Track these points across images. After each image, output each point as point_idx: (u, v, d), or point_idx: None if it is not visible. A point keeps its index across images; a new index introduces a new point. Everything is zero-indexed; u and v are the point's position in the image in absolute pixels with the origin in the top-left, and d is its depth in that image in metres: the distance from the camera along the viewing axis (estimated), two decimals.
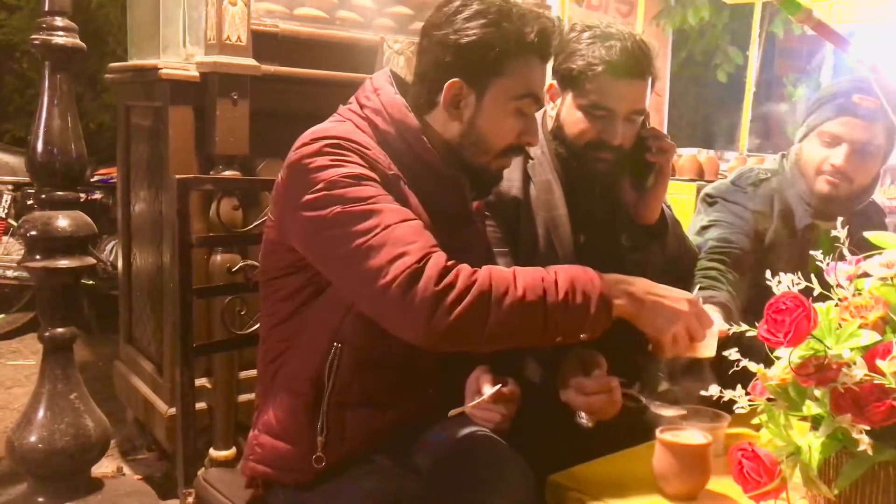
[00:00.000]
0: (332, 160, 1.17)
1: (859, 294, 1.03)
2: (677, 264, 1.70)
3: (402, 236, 1.11)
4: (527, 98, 1.28)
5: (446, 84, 1.26)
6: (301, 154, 1.19)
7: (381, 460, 1.27)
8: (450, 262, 1.10)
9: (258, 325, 1.73)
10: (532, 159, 1.61)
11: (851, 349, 0.95)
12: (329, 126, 1.25)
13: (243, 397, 2.34)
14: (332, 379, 1.23)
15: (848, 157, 1.73)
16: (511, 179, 1.58)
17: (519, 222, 1.57)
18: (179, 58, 2.33)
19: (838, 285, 1.05)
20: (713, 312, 1.28)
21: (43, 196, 2.10)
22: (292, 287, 1.27)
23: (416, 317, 1.06)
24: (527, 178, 1.59)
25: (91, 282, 3.92)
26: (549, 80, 1.62)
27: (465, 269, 1.10)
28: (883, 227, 1.92)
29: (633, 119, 1.54)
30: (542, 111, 1.68)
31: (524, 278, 1.11)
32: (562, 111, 1.58)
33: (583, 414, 1.26)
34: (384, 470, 1.25)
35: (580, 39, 1.52)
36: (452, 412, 1.20)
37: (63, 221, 2.08)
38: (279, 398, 1.29)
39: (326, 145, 1.18)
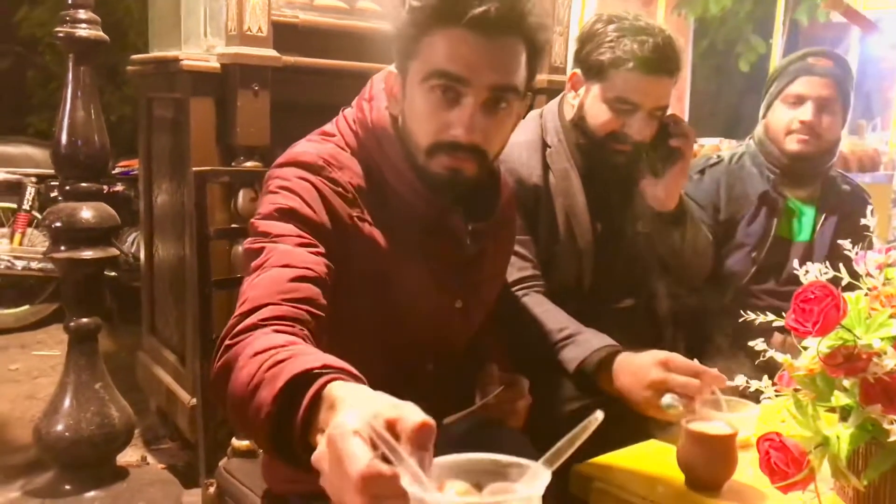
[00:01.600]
0: (278, 186, 1.14)
1: (889, 283, 1.01)
2: (694, 250, 1.70)
3: (257, 284, 1.03)
4: (436, 79, 1.10)
5: (386, 76, 1.20)
6: (269, 174, 1.18)
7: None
8: (253, 320, 0.96)
9: None
10: (550, 147, 1.61)
11: (882, 339, 0.94)
12: (308, 148, 1.19)
13: None
14: None
15: (815, 112, 1.85)
16: (531, 167, 1.58)
17: (539, 210, 1.57)
18: (200, 49, 2.33)
19: (868, 274, 1.03)
20: None
21: (67, 188, 2.12)
22: None
23: None
24: (546, 167, 1.59)
25: (113, 273, 3.96)
26: (572, 68, 1.62)
27: (249, 333, 0.95)
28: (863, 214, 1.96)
29: (655, 115, 1.53)
30: (559, 98, 1.68)
31: (264, 356, 0.88)
32: (585, 101, 1.57)
33: (675, 397, 1.22)
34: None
35: (607, 31, 1.51)
36: (448, 420, 1.15)
37: (87, 213, 2.10)
38: None
39: (291, 172, 1.14)
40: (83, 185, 2.11)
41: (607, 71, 1.50)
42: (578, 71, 1.58)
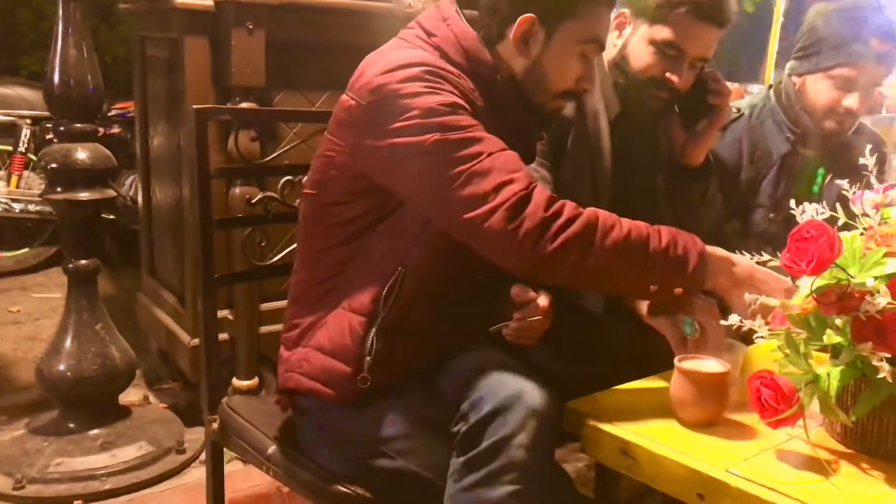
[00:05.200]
0: (426, 87, 1.17)
1: (885, 223, 1.02)
2: (709, 208, 1.69)
3: (506, 163, 1.14)
4: (592, 43, 1.31)
5: (519, 18, 1.27)
6: (390, 79, 1.18)
7: (410, 386, 1.29)
8: (546, 192, 1.14)
9: (279, 256, 1.75)
10: None
11: (875, 277, 0.95)
12: (414, 53, 1.24)
13: (265, 329, 2.37)
14: (392, 303, 1.25)
15: (862, 98, 1.76)
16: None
17: (567, 143, 1.55)
18: None
19: (864, 214, 1.04)
20: None
21: (61, 129, 2.10)
22: (354, 212, 1.28)
23: (522, 241, 1.10)
24: (580, 104, 1.57)
25: (112, 216, 3.95)
26: (620, 8, 1.57)
27: (569, 202, 1.14)
28: (882, 156, 1.96)
29: (696, 65, 1.52)
30: None
31: (629, 221, 1.16)
32: (630, 42, 1.54)
33: (694, 326, 1.25)
34: (413, 395, 1.28)
35: None
36: (494, 328, 1.26)
37: (82, 154, 2.09)
38: (334, 318, 1.29)
39: (423, 72, 1.18)
40: (77, 125, 2.08)
41: (659, 12, 1.48)
42: (627, 11, 1.55)
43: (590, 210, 1.15)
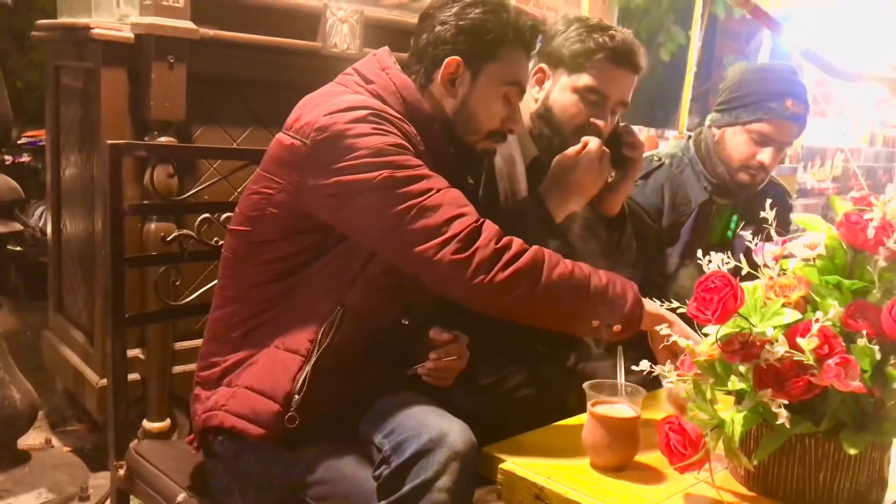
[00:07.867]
0: (373, 128, 1.21)
1: (784, 274, 1.07)
2: (624, 256, 1.74)
3: (455, 199, 1.20)
4: (514, 86, 1.38)
5: (446, 61, 1.33)
6: (337, 119, 1.20)
7: (331, 429, 1.27)
8: (495, 228, 1.19)
9: (194, 295, 1.70)
10: None
11: (774, 327, 0.99)
12: (359, 98, 1.27)
13: (178, 368, 2.30)
14: (328, 341, 1.24)
15: (774, 155, 1.88)
16: None
17: (479, 188, 1.58)
18: (112, 17, 2.24)
19: (765, 265, 1.09)
20: None
21: None
22: (290, 250, 1.28)
23: (475, 272, 1.15)
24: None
25: (19, 248, 3.78)
26: (537, 63, 1.63)
27: (516, 238, 1.20)
28: (786, 206, 2.09)
29: (616, 111, 1.58)
30: None
31: (570, 261, 1.23)
32: (552, 93, 1.59)
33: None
34: (334, 439, 1.26)
35: (573, 28, 1.55)
36: (410, 371, 1.28)
37: None
38: (266, 357, 1.27)
39: (370, 114, 1.22)
40: None
41: (577, 61, 1.54)
42: (545, 66, 1.60)
43: (535, 246, 1.20)
